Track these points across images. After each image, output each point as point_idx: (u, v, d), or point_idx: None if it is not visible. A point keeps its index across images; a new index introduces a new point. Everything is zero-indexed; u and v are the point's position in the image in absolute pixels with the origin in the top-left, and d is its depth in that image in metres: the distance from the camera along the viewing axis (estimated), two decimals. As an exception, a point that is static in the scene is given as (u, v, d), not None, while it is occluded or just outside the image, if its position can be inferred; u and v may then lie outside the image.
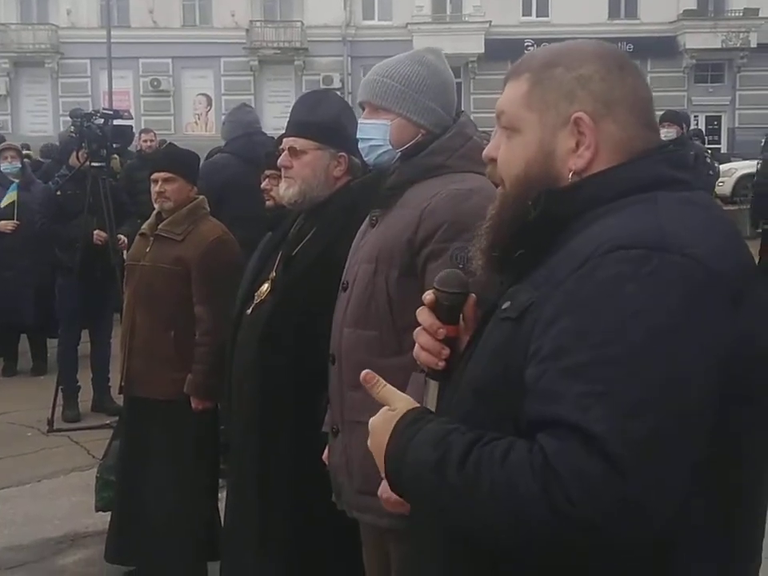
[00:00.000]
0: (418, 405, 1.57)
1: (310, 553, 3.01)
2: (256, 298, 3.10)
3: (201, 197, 4.43)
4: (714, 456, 1.33)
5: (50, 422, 6.73)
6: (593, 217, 1.44)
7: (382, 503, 2.37)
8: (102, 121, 6.60)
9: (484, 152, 1.66)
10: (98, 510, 4.58)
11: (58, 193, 7.04)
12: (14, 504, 5.44)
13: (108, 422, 6.58)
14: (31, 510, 5.31)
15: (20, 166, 8.21)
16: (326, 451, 2.77)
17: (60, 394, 6.91)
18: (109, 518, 4.45)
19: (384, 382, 1.59)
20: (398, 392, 1.59)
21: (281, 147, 3.10)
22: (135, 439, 4.34)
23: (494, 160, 1.62)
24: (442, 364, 1.66)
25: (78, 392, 7.17)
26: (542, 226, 1.48)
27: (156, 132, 11.56)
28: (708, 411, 1.30)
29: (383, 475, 1.54)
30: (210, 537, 4.20)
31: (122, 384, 4.39)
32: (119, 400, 5.48)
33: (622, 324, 1.29)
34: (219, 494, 4.25)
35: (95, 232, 6.81)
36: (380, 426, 1.55)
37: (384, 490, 2.48)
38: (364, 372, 1.62)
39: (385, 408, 1.57)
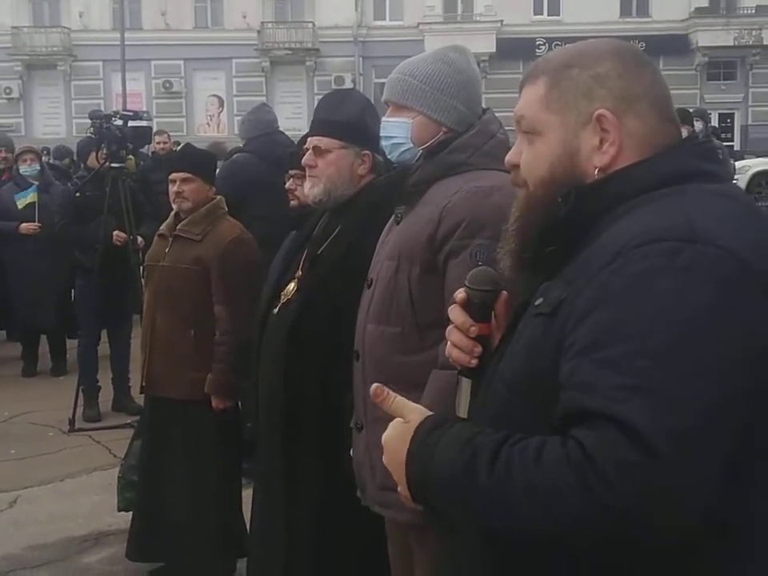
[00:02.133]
0: (431, 412, 1.53)
1: (336, 550, 3.02)
2: (282, 297, 3.11)
3: (219, 197, 4.44)
4: (751, 448, 1.34)
5: (71, 422, 6.76)
6: (621, 212, 1.45)
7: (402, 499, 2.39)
8: (121, 122, 6.64)
9: (506, 158, 1.66)
10: (120, 510, 4.57)
11: (77, 194, 7.07)
12: (37, 503, 5.45)
13: (128, 421, 6.62)
14: (54, 509, 5.33)
15: (39, 168, 8.24)
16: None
17: (81, 394, 6.94)
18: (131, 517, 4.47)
19: (395, 395, 1.55)
20: (411, 403, 1.55)
21: (305, 146, 3.11)
22: (156, 439, 4.35)
23: (517, 166, 1.62)
24: (474, 362, 1.65)
25: (98, 392, 7.19)
26: (572, 222, 1.49)
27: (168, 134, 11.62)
28: (743, 405, 1.30)
29: (404, 489, 1.51)
30: (234, 535, 4.22)
31: (143, 384, 4.40)
32: (139, 400, 5.52)
33: (657, 318, 1.29)
34: (242, 492, 4.27)
35: (115, 233, 6.83)
36: (395, 439, 1.51)
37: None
38: (374, 386, 1.57)
39: (396, 421, 1.53)
